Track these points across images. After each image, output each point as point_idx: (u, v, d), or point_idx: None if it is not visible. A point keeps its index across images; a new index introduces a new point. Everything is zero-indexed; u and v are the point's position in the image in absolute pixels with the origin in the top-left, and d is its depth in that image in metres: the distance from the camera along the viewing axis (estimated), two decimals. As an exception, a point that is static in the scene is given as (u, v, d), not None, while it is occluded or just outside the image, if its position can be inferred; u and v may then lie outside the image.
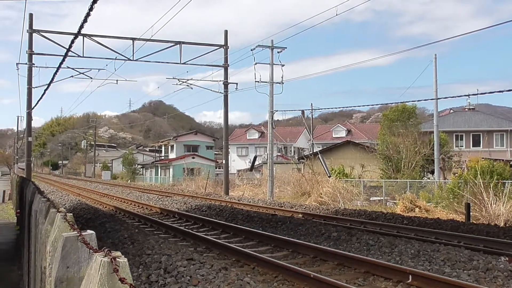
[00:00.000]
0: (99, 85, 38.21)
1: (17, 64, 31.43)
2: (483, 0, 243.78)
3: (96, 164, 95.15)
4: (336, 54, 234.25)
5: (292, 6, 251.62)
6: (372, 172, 35.17)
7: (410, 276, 8.36)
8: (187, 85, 35.43)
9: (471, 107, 55.48)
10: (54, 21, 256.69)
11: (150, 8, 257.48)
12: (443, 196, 23.85)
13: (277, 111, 32.14)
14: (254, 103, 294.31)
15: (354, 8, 55.40)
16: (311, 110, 48.33)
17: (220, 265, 9.14)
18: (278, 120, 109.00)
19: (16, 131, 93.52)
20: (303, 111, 43.36)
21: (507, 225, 16.99)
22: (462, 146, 47.96)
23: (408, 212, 21.83)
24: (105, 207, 24.93)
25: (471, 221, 17.27)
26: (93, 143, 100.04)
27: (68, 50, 14.25)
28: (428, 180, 31.29)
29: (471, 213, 18.24)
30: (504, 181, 21.95)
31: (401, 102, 36.41)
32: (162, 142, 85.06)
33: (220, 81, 33.97)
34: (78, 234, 2.50)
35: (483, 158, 27.01)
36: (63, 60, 15.38)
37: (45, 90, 22.14)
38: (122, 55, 30.06)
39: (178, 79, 35.04)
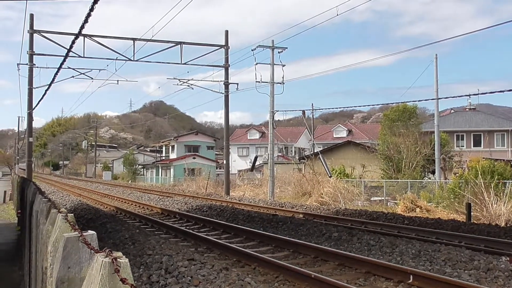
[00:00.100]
0: (100, 85, 38.12)
1: (18, 64, 31.43)
2: (483, 0, 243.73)
3: (97, 165, 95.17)
4: (336, 54, 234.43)
5: (292, 6, 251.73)
6: (373, 172, 35.16)
7: (411, 276, 8.35)
8: (188, 85, 35.44)
9: (472, 107, 55.45)
10: (55, 22, 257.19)
11: (150, 8, 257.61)
12: (444, 196, 23.84)
13: (277, 111, 32.16)
14: (255, 103, 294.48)
15: (355, 8, 55.38)
16: (311, 110, 48.40)
17: (221, 265, 9.14)
18: (278, 120, 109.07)
19: (17, 132, 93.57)
20: (303, 111, 43.42)
21: (508, 225, 16.98)
22: (463, 146, 47.94)
23: (409, 212, 21.82)
24: (106, 207, 24.93)
25: (472, 221, 17.26)
26: (94, 143, 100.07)
27: (69, 50, 14.27)
28: (429, 180, 31.27)
29: (472, 213, 18.24)
30: (505, 181, 21.93)
31: (402, 102, 36.45)
32: (163, 142, 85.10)
33: (221, 81, 34.00)
34: (79, 235, 2.51)
35: (484, 158, 26.99)
36: (64, 60, 15.41)
37: (46, 90, 22.20)
38: (123, 56, 30.09)
39: (179, 80, 35.06)
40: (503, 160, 28.95)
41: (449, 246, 11.10)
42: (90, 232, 2.58)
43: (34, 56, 29.57)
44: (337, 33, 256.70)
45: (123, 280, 1.89)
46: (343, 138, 65.08)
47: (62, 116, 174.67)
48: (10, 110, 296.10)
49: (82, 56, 28.98)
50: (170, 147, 76.98)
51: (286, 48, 31.22)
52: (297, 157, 59.95)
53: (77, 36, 11.64)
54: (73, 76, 32.98)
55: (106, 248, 2.10)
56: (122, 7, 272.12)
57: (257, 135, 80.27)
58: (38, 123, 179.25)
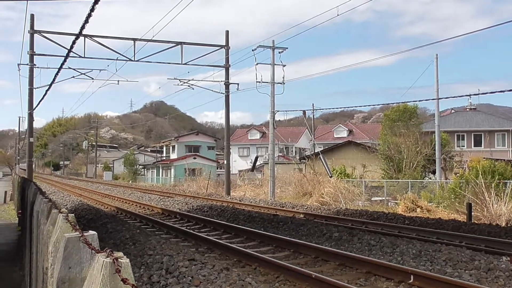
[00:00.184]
0: (101, 85, 38.23)
1: (18, 64, 31.46)
2: (483, 0, 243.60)
3: (97, 165, 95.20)
4: (337, 54, 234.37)
5: (293, 6, 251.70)
6: (374, 172, 35.15)
7: (412, 276, 8.35)
8: (189, 86, 35.46)
9: (472, 107, 55.42)
10: (55, 22, 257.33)
11: (151, 8, 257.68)
12: (445, 196, 23.83)
13: (278, 111, 32.16)
14: (255, 103, 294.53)
15: (355, 8, 55.38)
16: (312, 110, 48.36)
17: (222, 265, 9.14)
18: (279, 120, 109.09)
19: (18, 132, 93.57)
20: (304, 111, 43.37)
21: (508, 225, 16.97)
22: (464, 146, 47.91)
23: (409, 212, 21.82)
24: (107, 207, 24.94)
25: (472, 221, 17.25)
26: (94, 143, 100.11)
27: (70, 50, 14.28)
28: (430, 180, 31.26)
29: (472, 213, 18.23)
30: (506, 181, 21.91)
31: (402, 102, 36.43)
32: (163, 142, 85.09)
33: (221, 81, 34.00)
34: (80, 235, 2.51)
35: (484, 158, 26.98)
36: (65, 60, 15.41)
37: (47, 90, 22.22)
38: (124, 56, 30.12)
39: (179, 80, 35.08)
40: (504, 160, 28.94)
41: (450, 246, 11.10)
42: (91, 232, 2.58)
43: (34, 56, 29.59)
44: (337, 33, 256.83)
45: (124, 280, 1.89)
46: (344, 138, 65.07)
47: (63, 116, 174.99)
48: (11, 110, 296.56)
49: (83, 56, 29.01)
50: (171, 147, 76.99)
51: (287, 48, 31.27)
52: (298, 157, 59.96)
53: (77, 36, 11.65)
54: (73, 76, 33.04)
55: (107, 248, 2.10)
56: (122, 7, 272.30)
57: (257, 135, 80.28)
58: (38, 123, 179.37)
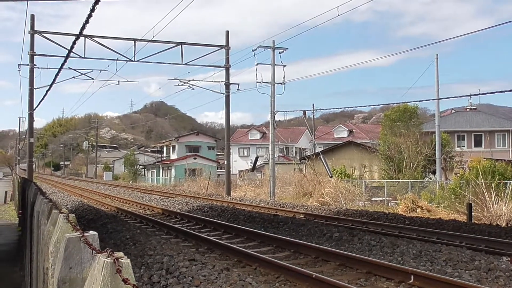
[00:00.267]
0: (101, 86, 38.25)
1: (18, 65, 31.45)
2: (483, 0, 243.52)
3: (97, 165, 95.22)
4: (337, 54, 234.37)
5: (293, 6, 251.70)
6: (374, 172, 35.15)
7: (412, 276, 8.35)
8: (189, 86, 35.48)
9: (472, 107, 55.40)
10: (55, 22, 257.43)
11: (151, 9, 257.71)
12: (445, 196, 23.82)
13: (278, 111, 32.15)
14: (255, 103, 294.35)
15: (356, 9, 55.38)
16: (312, 111, 48.40)
17: (222, 265, 9.14)
18: (279, 120, 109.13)
19: (18, 132, 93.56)
20: (304, 112, 43.38)
21: (509, 225, 16.97)
22: (464, 146, 47.88)
23: (410, 213, 21.82)
24: (107, 208, 24.94)
25: (473, 221, 17.25)
26: (94, 144, 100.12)
27: (70, 51, 14.28)
28: (430, 180, 31.25)
29: (473, 213, 18.22)
30: (506, 181, 21.90)
31: (402, 102, 36.41)
32: (163, 142, 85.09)
33: (222, 81, 34.01)
34: (80, 235, 2.51)
35: (484, 158, 26.97)
36: (65, 61, 15.41)
37: (47, 91, 22.21)
38: (124, 56, 30.14)
39: (179, 80, 35.09)
40: (504, 160, 28.93)
41: (450, 246, 11.10)
42: (92, 232, 2.58)
43: (35, 56, 29.61)
44: (338, 33, 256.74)
45: (125, 281, 1.89)
46: (344, 138, 65.06)
47: (63, 116, 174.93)
48: (11, 110, 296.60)
49: (83, 56, 29.03)
50: (171, 147, 76.99)
51: (287, 48, 31.25)
52: (298, 158, 59.96)
53: (78, 36, 11.65)
54: (74, 77, 33.05)
55: (108, 249, 2.10)
56: (122, 7, 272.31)
57: (258, 136, 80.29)
58: (39, 123, 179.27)
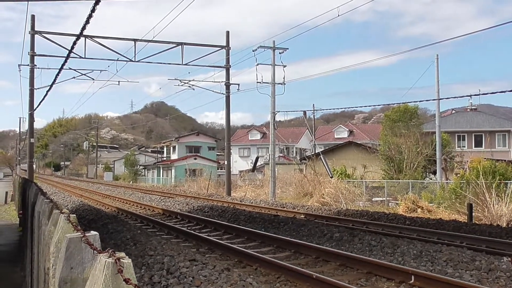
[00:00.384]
0: (101, 86, 38.32)
1: (19, 65, 31.43)
2: (484, 0, 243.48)
3: (98, 165, 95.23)
4: (338, 54, 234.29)
5: (293, 6, 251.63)
6: (374, 172, 35.15)
7: (413, 277, 8.35)
8: (189, 86, 35.49)
9: (473, 107, 55.39)
10: (56, 23, 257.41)
11: (151, 9, 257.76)
12: (445, 197, 23.82)
13: (279, 112, 32.15)
14: (256, 104, 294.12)
15: (356, 9, 55.31)
16: (313, 111, 48.37)
17: (223, 266, 9.15)
18: (280, 121, 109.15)
19: (18, 133, 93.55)
20: (305, 112, 43.30)
21: (509, 226, 16.97)
22: (464, 147, 47.87)
23: (410, 213, 21.81)
24: (108, 208, 24.95)
25: (473, 222, 17.24)
26: (95, 144, 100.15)
27: (70, 51, 14.30)
28: (430, 180, 31.25)
29: (473, 214, 18.21)
30: (507, 181, 21.89)
31: (403, 103, 36.39)
32: (164, 143, 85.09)
33: (222, 82, 34.01)
34: (81, 235, 2.51)
35: (485, 158, 26.96)
36: (65, 61, 15.42)
37: (47, 91, 22.24)
38: (124, 56, 30.14)
39: (180, 80, 35.09)
40: (505, 160, 28.93)
41: (451, 247, 11.10)
42: (93, 232, 2.59)
43: (35, 57, 29.61)
44: (338, 33, 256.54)
45: (126, 281, 1.89)
46: (344, 139, 65.07)
47: (63, 117, 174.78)
48: (11, 111, 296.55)
49: (83, 57, 29.04)
50: (171, 147, 77.00)
51: (287, 48, 31.24)
52: (298, 158, 59.95)
53: (78, 37, 11.67)
54: (74, 77, 33.04)
55: (109, 249, 2.10)
56: (123, 8, 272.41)
57: (258, 136, 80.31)
58: (39, 124, 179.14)
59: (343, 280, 8.42)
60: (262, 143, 75.80)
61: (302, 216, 19.37)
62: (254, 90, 31.60)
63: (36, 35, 29.09)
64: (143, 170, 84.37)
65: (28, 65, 29.90)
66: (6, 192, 37.62)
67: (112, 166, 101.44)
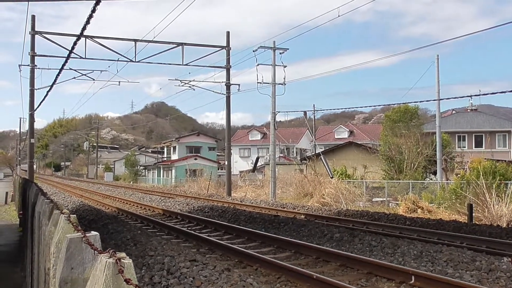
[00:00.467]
0: (102, 86, 38.41)
1: (19, 65, 31.44)
2: (485, 1, 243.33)
3: (98, 166, 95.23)
4: (338, 55, 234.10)
5: (294, 6, 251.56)
6: (375, 173, 35.15)
7: (413, 277, 8.36)
8: (189, 87, 35.49)
9: (473, 107, 55.40)
10: (56, 23, 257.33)
11: (152, 9, 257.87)
12: (446, 197, 23.81)
13: (279, 112, 32.18)
14: (256, 104, 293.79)
15: (357, 9, 55.25)
16: (313, 111, 48.37)
17: (223, 266, 9.15)
18: (280, 121, 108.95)
19: (19, 133, 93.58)
20: (305, 112, 43.27)
21: (509, 226, 16.97)
22: (465, 147, 47.86)
23: (410, 213, 21.81)
24: (108, 208, 24.95)
25: (473, 222, 17.24)
26: (95, 144, 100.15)
27: (71, 51, 14.31)
28: (431, 181, 31.25)
29: (473, 214, 18.21)
30: (507, 182, 21.89)
31: (403, 103, 36.39)
32: (164, 143, 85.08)
33: (222, 82, 34.02)
34: (82, 236, 2.51)
35: (485, 158, 26.95)
36: (66, 61, 15.44)
37: (48, 91, 22.25)
38: (124, 57, 30.15)
39: (180, 81, 35.09)
40: (505, 161, 28.92)
41: (451, 247, 11.11)
42: (93, 233, 2.59)
43: (35, 57, 29.62)
44: (338, 34, 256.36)
45: (127, 281, 1.90)
46: (345, 139, 65.07)
47: (64, 117, 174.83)
48: (12, 111, 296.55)
49: (84, 57, 29.06)
50: (172, 148, 77.01)
51: (288, 49, 31.24)
52: (299, 158, 59.97)
53: (78, 37, 11.68)
54: (74, 77, 33.05)
55: (110, 249, 2.11)
56: (123, 8, 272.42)
57: (258, 136, 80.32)
58: (39, 124, 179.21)
59: (343, 281, 8.42)
60: (262, 143, 75.80)
61: (303, 216, 19.38)
62: (254, 91, 31.59)
63: (36, 36, 29.10)
64: (144, 170, 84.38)
65: (28, 65, 29.91)
66: (7, 193, 37.63)
67: (113, 166, 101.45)
